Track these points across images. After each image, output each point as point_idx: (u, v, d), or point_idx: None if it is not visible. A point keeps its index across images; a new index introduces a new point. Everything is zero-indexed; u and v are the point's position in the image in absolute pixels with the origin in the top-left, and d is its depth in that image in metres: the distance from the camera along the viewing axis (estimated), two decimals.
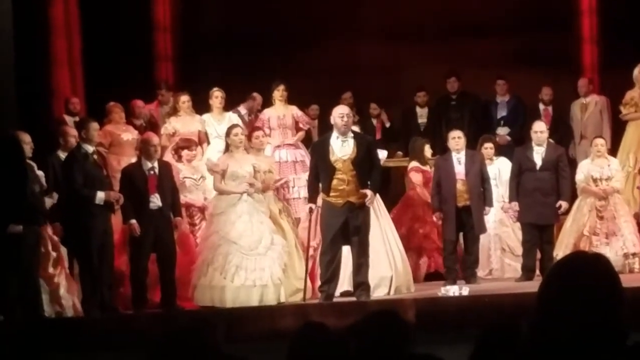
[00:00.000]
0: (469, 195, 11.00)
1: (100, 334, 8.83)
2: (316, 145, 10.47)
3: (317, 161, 10.07)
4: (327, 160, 9.89)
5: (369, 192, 9.83)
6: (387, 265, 10.51)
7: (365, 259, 9.94)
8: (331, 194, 9.87)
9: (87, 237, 9.64)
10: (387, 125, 14.33)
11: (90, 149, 9.88)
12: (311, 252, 10.60)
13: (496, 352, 3.39)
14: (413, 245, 11.60)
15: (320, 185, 9.99)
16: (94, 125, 9.97)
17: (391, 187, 13.07)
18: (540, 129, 11.27)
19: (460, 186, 11.02)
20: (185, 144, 11.41)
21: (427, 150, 12.15)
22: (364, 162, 9.88)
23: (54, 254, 9.92)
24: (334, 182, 9.85)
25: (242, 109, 12.82)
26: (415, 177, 12.01)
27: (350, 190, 9.83)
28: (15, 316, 8.92)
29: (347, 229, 9.83)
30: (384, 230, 10.64)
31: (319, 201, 10.04)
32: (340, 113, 10.00)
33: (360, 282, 9.93)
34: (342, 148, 9.89)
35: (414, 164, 12.09)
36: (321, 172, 9.97)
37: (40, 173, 9.81)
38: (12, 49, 11.36)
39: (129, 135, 11.80)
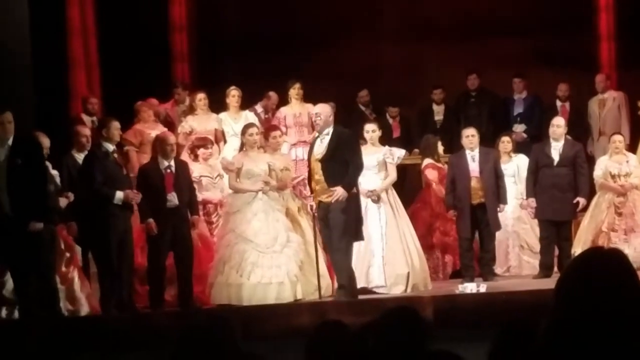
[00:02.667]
0: (483, 192, 10.99)
1: (117, 332, 8.86)
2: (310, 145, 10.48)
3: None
4: (308, 159, 9.99)
5: (339, 188, 9.60)
6: (404, 263, 10.49)
7: (335, 257, 9.81)
8: (312, 193, 9.93)
9: (106, 236, 9.65)
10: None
11: (110, 147, 9.88)
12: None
13: (514, 349, 3.39)
14: (436, 242, 11.60)
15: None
16: (115, 124, 9.98)
17: (407, 184, 13.06)
18: (558, 124, 11.27)
19: (474, 184, 11.01)
20: (201, 143, 11.42)
21: (439, 147, 12.16)
22: (333, 160, 9.70)
23: (67, 253, 9.96)
24: (312, 182, 9.90)
25: (259, 107, 12.84)
26: (431, 174, 12.01)
27: (320, 189, 9.78)
28: (34, 315, 8.95)
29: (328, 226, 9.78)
30: (401, 228, 10.63)
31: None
32: (315, 112, 10.07)
33: (339, 285, 9.78)
34: (319, 146, 9.88)
35: (427, 161, 12.09)
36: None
37: (54, 172, 9.84)
38: (30, 49, 11.41)
39: (157, 132, 11.81)
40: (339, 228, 9.64)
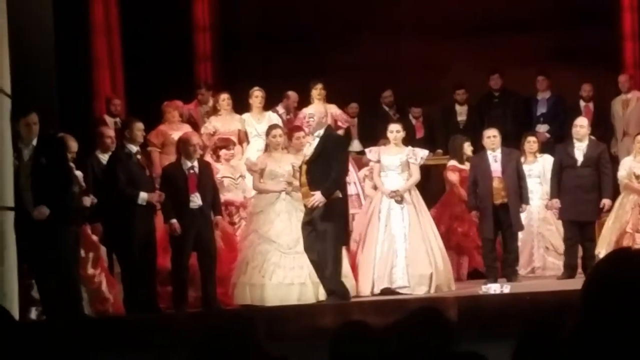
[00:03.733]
0: (506, 192, 10.96)
1: (141, 333, 8.87)
2: None
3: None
4: (301, 162, 9.92)
5: (317, 194, 9.51)
6: (427, 263, 10.47)
7: (326, 263, 9.65)
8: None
9: (130, 236, 9.67)
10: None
11: (134, 148, 9.91)
12: (354, 247, 10.63)
13: (538, 349, 3.37)
14: (453, 244, 11.59)
15: None
16: (138, 125, 9.99)
17: (431, 185, 13.04)
18: (581, 124, 11.23)
19: (497, 184, 10.98)
20: (223, 144, 11.44)
21: (467, 148, 12.12)
22: (317, 163, 9.68)
23: (93, 254, 9.98)
24: (301, 185, 9.88)
25: (280, 109, 12.84)
26: (452, 176, 12.00)
27: (304, 192, 9.77)
28: (57, 316, 8.98)
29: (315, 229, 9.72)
30: (424, 228, 10.61)
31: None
32: (308, 114, 10.01)
33: (330, 291, 9.70)
34: (308, 149, 9.88)
35: (451, 162, 12.09)
36: None
37: (78, 173, 9.87)
38: (54, 50, 11.44)
39: (180, 134, 11.83)
40: (324, 234, 9.56)
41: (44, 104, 9.90)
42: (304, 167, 9.78)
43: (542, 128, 13.51)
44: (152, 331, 8.90)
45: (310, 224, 9.66)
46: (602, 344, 2.56)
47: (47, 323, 8.95)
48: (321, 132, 9.82)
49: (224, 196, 10.88)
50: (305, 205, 9.76)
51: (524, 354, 3.47)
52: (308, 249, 9.71)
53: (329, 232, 9.55)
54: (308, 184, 9.68)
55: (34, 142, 9.13)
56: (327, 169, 9.60)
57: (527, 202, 11.12)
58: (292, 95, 12.96)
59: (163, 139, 11.86)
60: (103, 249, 10.13)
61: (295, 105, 12.86)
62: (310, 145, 9.85)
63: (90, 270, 9.85)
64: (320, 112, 12.10)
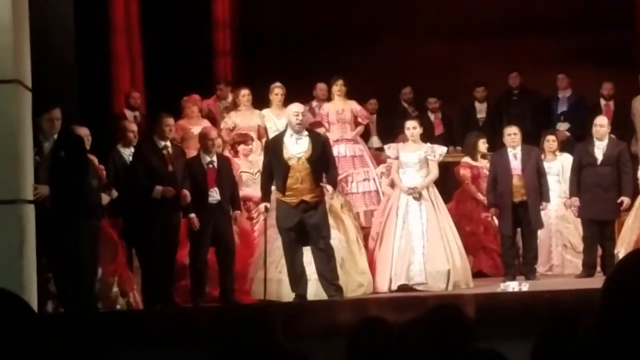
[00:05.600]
0: (525, 190, 10.94)
1: (159, 327, 8.88)
2: (269, 143, 10.42)
3: (270, 160, 9.98)
4: (281, 158, 9.82)
5: (329, 187, 9.79)
6: (444, 260, 10.46)
7: (330, 255, 9.80)
8: (286, 193, 9.81)
9: (147, 230, 9.69)
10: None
11: (161, 143, 9.95)
12: (372, 244, 10.63)
13: (557, 348, 3.36)
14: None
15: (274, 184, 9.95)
16: (167, 121, 10.02)
17: (449, 182, 13.02)
18: (601, 123, 11.18)
19: (516, 181, 10.96)
20: (241, 139, 11.45)
21: (482, 145, 12.10)
22: (319, 160, 9.79)
23: (113, 248, 10.00)
24: (289, 181, 9.79)
25: (314, 103, 12.86)
26: (463, 173, 11.99)
27: (304, 188, 9.76)
28: (75, 310, 9.00)
29: (303, 229, 9.75)
30: (442, 225, 10.60)
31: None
32: (295, 111, 9.97)
33: (336, 285, 9.79)
34: (296, 146, 9.84)
35: (464, 159, 12.08)
36: (275, 171, 9.89)
37: (100, 167, 9.89)
38: (74, 45, 11.47)
39: (199, 129, 11.85)
40: (321, 228, 9.73)
41: (64, 99, 9.92)
42: (304, 164, 9.77)
43: (563, 126, 13.47)
44: (169, 325, 8.91)
45: (301, 220, 9.72)
46: (623, 344, 2.55)
47: (63, 316, 8.97)
48: (305, 131, 9.91)
49: (243, 191, 10.89)
50: (305, 201, 9.73)
51: (543, 353, 3.46)
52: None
53: (325, 225, 9.81)
54: (314, 181, 9.73)
55: (55, 136, 9.16)
56: (325, 166, 9.84)
57: (547, 200, 11.09)
58: (319, 85, 12.96)
59: (182, 133, 11.88)
60: (122, 244, 10.14)
61: (324, 96, 12.83)
62: (296, 143, 9.85)
63: (110, 264, 9.86)
64: (340, 108, 12.12)
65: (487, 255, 11.66)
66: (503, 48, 15.03)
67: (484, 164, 11.82)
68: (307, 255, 9.94)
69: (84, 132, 9.68)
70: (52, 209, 8.84)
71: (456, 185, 12.56)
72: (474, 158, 12.05)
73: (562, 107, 13.71)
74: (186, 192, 9.91)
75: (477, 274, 11.46)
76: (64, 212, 8.93)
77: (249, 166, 11.28)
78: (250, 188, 11.08)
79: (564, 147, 12.26)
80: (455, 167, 12.48)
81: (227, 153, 11.26)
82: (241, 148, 11.39)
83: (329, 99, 12.65)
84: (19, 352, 2.41)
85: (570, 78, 13.75)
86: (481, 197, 11.64)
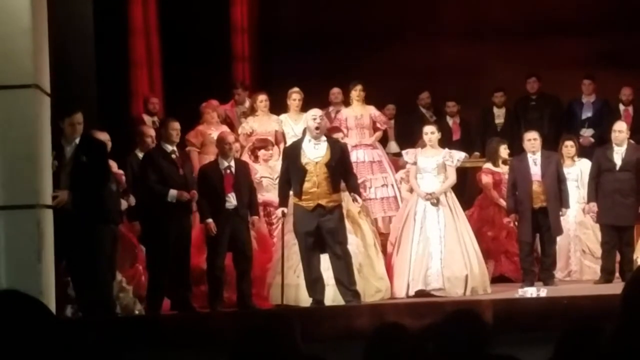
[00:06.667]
0: (545, 196, 10.90)
1: (176, 332, 8.90)
2: (287, 149, 10.40)
3: (288, 165, 9.98)
4: (298, 163, 9.82)
5: (358, 198, 9.87)
6: (462, 265, 10.44)
7: (347, 261, 9.79)
8: (303, 197, 9.80)
9: (159, 234, 9.69)
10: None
11: (169, 148, 9.93)
12: (390, 249, 10.62)
13: (577, 354, 3.35)
14: (480, 248, 11.54)
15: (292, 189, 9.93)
16: (173, 125, 10.01)
17: (467, 188, 13.00)
18: (619, 129, 11.13)
19: (536, 187, 10.92)
20: (262, 144, 11.46)
21: (503, 151, 12.07)
22: (337, 166, 9.78)
23: (131, 252, 10.02)
24: (305, 185, 9.77)
25: (331, 107, 12.86)
26: (485, 179, 11.96)
27: (320, 193, 9.74)
28: (94, 314, 9.02)
29: (320, 234, 9.75)
30: (460, 231, 10.58)
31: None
32: (312, 115, 9.97)
33: (354, 291, 9.78)
34: (314, 151, 9.83)
35: (486, 165, 12.06)
36: (292, 175, 9.87)
37: (119, 172, 9.92)
38: (93, 50, 11.52)
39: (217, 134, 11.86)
40: (337, 233, 9.74)
41: (83, 104, 9.95)
42: (321, 169, 9.77)
43: (587, 132, 13.39)
44: (187, 330, 8.92)
45: (318, 225, 9.71)
46: None
47: (82, 321, 8.99)
48: (323, 136, 9.92)
49: (263, 196, 10.90)
50: (321, 205, 9.74)
51: (562, 359, 3.45)
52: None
53: (342, 230, 9.83)
54: (333, 187, 9.73)
55: (77, 140, 9.18)
56: (344, 173, 9.84)
57: (567, 206, 11.05)
58: (333, 89, 12.97)
59: (202, 139, 11.90)
60: (142, 248, 10.17)
61: (337, 100, 12.83)
62: (315, 148, 9.85)
63: (129, 269, 9.88)
64: (359, 113, 12.10)
65: (508, 259, 11.63)
66: (522, 51, 14.99)
67: (505, 170, 11.78)
68: (325, 261, 9.91)
69: (104, 137, 9.71)
70: (72, 213, 8.86)
71: (475, 190, 12.54)
72: (495, 164, 12.02)
73: (587, 113, 13.61)
74: (194, 191, 9.92)
75: (499, 278, 11.44)
76: (83, 217, 8.95)
77: (269, 171, 11.29)
78: (271, 193, 11.08)
79: (587, 152, 12.18)
80: (475, 173, 12.46)
81: (246, 158, 11.26)
82: (261, 153, 11.40)
83: (344, 103, 12.64)
84: (38, 356, 2.41)
85: (595, 84, 13.66)
86: (503, 202, 11.60)
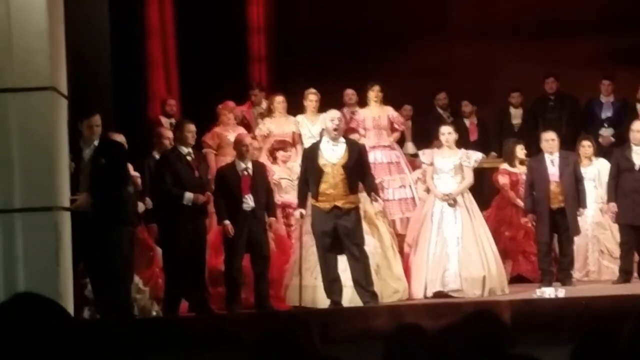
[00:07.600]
0: (563, 196, 10.87)
1: (194, 334, 8.91)
2: (307, 151, 10.37)
3: (306, 166, 10.00)
4: (316, 164, 9.82)
5: (379, 200, 9.95)
6: (480, 266, 10.42)
7: (365, 262, 9.79)
8: (319, 198, 9.80)
9: (175, 236, 9.69)
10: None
11: (184, 150, 9.92)
12: (407, 250, 10.61)
13: (596, 354, 3.34)
14: (499, 248, 11.51)
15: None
16: (188, 127, 10.00)
17: (484, 188, 12.97)
18: (637, 128, 11.10)
19: (554, 188, 10.89)
20: (280, 146, 11.46)
21: (520, 151, 12.03)
22: (355, 168, 9.79)
23: (148, 254, 10.03)
24: (322, 186, 9.76)
25: (345, 109, 12.85)
26: (502, 180, 11.94)
27: (337, 194, 9.73)
28: (111, 316, 9.04)
29: (337, 235, 9.74)
30: (477, 232, 10.56)
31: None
32: (331, 117, 9.97)
33: (371, 292, 9.78)
34: (332, 152, 9.83)
35: (503, 166, 12.03)
36: (310, 177, 9.88)
37: (135, 174, 9.93)
38: (109, 51, 11.54)
39: (235, 135, 11.85)
40: (354, 234, 9.74)
41: (100, 106, 9.98)
42: (338, 170, 9.77)
43: (607, 132, 13.33)
44: (205, 332, 8.93)
45: (335, 226, 9.70)
46: None
47: (100, 322, 9.01)
48: (342, 138, 9.92)
49: (282, 198, 10.90)
50: (338, 207, 9.73)
51: (581, 359, 3.44)
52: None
53: (360, 231, 9.84)
54: (349, 188, 9.73)
55: (95, 142, 9.21)
56: (361, 174, 9.85)
57: (585, 206, 11.02)
58: (347, 91, 12.96)
59: (219, 140, 11.90)
60: (159, 250, 10.17)
61: (351, 101, 12.82)
62: (333, 150, 9.85)
63: (146, 271, 9.89)
64: (376, 114, 12.06)
65: (526, 259, 11.60)
66: (539, 50, 14.96)
67: (522, 170, 11.75)
68: (343, 262, 9.91)
69: (120, 138, 9.73)
70: (90, 215, 8.88)
71: (492, 191, 12.51)
72: (512, 164, 11.99)
73: (606, 113, 13.55)
74: (209, 194, 9.93)
75: (517, 278, 11.41)
76: (102, 219, 8.97)
77: (287, 173, 11.29)
78: (290, 195, 11.08)
79: (607, 152, 12.12)
80: (492, 174, 12.43)
81: (265, 159, 11.26)
82: (280, 154, 11.40)
83: (359, 103, 12.62)
84: (56, 358, 2.41)
85: (614, 84, 13.60)
86: (520, 203, 11.57)
